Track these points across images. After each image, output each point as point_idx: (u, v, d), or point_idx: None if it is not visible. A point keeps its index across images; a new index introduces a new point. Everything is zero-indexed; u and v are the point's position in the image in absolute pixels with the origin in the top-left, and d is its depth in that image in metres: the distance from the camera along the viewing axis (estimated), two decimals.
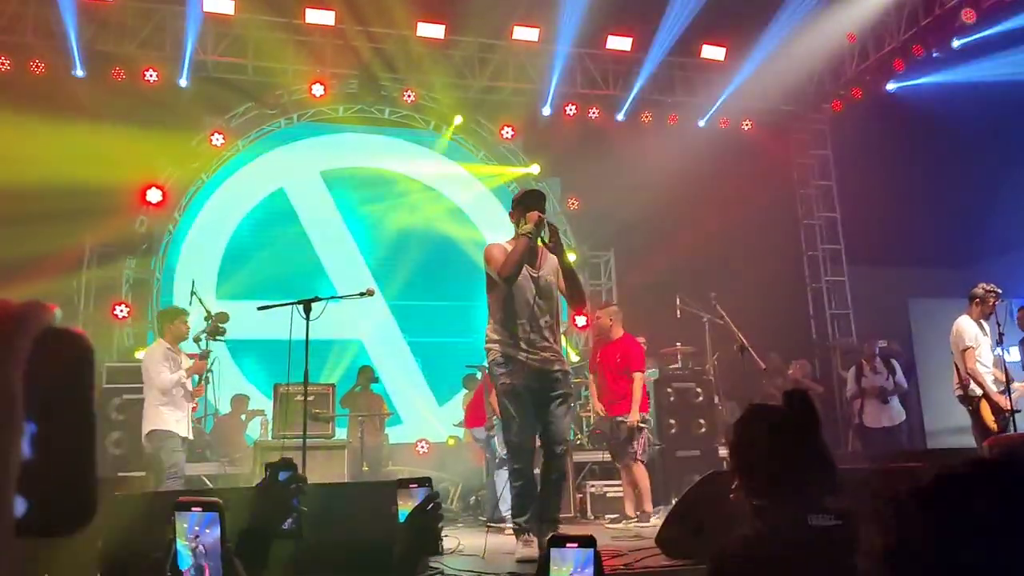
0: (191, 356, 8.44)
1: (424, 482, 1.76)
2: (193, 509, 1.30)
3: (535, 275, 4.82)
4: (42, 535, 0.50)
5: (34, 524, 0.49)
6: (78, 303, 9.44)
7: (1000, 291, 6.68)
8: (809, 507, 1.87)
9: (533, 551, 4.46)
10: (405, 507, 1.71)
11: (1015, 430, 6.29)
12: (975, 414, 6.60)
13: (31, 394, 0.48)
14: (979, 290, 6.73)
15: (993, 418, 6.45)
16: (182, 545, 1.28)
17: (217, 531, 1.26)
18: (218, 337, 6.73)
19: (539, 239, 4.74)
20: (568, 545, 1.40)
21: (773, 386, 9.13)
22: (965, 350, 6.62)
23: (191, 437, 6.67)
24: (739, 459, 2.04)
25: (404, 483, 1.71)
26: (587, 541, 1.38)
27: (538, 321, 4.73)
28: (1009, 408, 6.42)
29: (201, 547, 1.31)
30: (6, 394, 0.47)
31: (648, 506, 6.93)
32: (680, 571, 4.13)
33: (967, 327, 6.67)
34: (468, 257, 10.94)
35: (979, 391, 6.52)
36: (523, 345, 4.68)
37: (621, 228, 10.68)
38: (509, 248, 4.78)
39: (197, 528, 1.29)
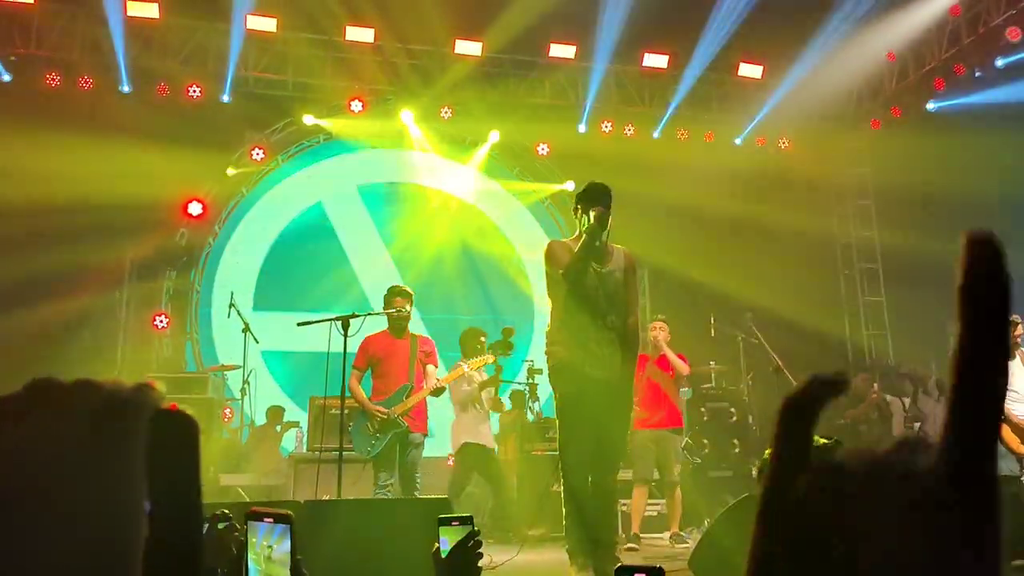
0: (227, 367, 8.58)
1: (466, 520, 1.75)
2: (265, 520, 1.32)
3: (602, 271, 4.56)
4: None
5: None
6: (119, 314, 9.63)
7: (1019, 319, 6.65)
8: None
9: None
10: (446, 541, 1.73)
11: None
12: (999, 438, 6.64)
13: (148, 476, 0.51)
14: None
15: (1018, 442, 6.46)
16: (251, 558, 1.31)
17: (287, 544, 1.29)
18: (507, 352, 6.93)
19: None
20: (635, 575, 1.40)
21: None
22: None
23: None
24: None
25: (446, 520, 1.73)
26: (655, 572, 1.38)
27: (605, 320, 4.43)
28: None
29: (271, 560, 1.34)
30: (133, 485, 0.49)
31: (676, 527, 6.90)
32: None
33: None
34: (504, 273, 11.00)
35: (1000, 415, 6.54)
36: (585, 349, 4.39)
37: (656, 245, 10.65)
38: (573, 246, 4.55)
39: (267, 541, 1.32)
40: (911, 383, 9.25)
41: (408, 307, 5.93)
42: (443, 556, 1.73)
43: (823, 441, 2.02)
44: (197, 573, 0.57)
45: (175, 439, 0.55)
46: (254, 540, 1.32)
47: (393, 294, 5.95)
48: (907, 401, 9.17)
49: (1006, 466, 7.71)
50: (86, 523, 0.47)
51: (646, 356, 7.21)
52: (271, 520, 1.33)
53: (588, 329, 4.40)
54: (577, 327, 4.41)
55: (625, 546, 6.73)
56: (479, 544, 1.68)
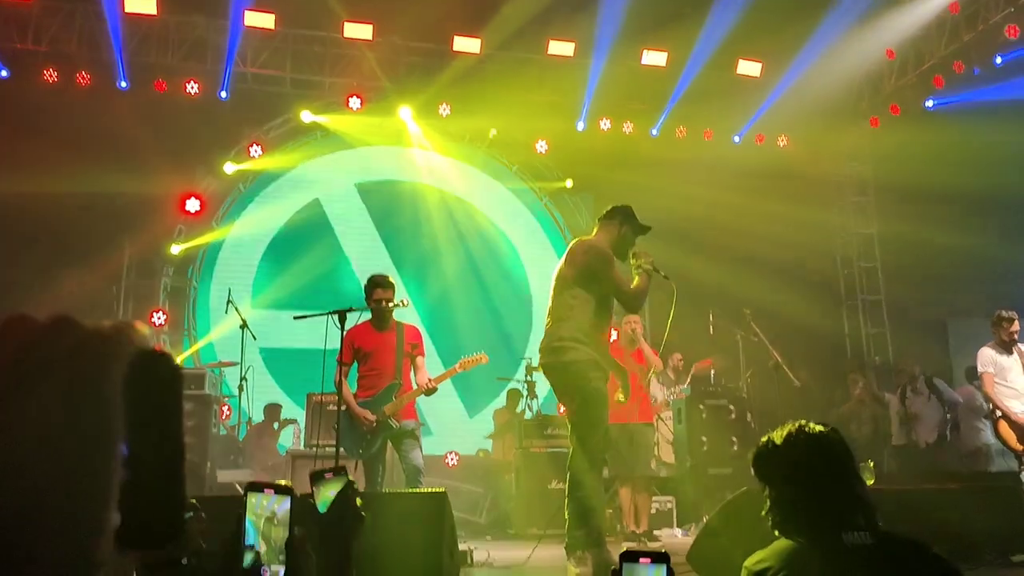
0: (225, 364, 8.56)
1: (340, 471, 1.60)
2: (266, 491, 1.32)
3: None
4: (132, 548, 0.52)
5: (126, 538, 0.51)
6: (117, 310, 9.62)
7: (1014, 316, 6.78)
8: (843, 526, 1.85)
9: (588, 570, 4.37)
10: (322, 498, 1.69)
11: None
12: (996, 434, 6.75)
13: (125, 415, 0.50)
14: (994, 316, 6.94)
15: (1015, 438, 6.51)
16: (250, 520, 1.31)
17: (287, 507, 1.29)
18: None
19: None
20: (641, 560, 1.38)
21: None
22: (982, 375, 6.84)
23: None
24: (766, 485, 2.02)
25: (319, 475, 1.69)
26: (660, 556, 1.36)
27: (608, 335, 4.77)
28: None
29: (269, 523, 1.34)
30: (107, 417, 0.49)
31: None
32: None
33: (983, 354, 6.86)
34: (501, 269, 10.98)
35: (998, 412, 6.63)
36: (604, 357, 4.61)
37: (654, 242, 10.61)
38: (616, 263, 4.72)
39: (265, 504, 1.32)
40: (902, 382, 9.26)
41: (392, 296, 5.58)
42: (320, 511, 1.71)
43: (819, 428, 2.01)
44: (178, 511, 0.56)
45: (155, 380, 0.54)
46: (253, 502, 1.32)
47: (373, 285, 5.58)
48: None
49: (1005, 463, 7.74)
50: (58, 451, 0.46)
51: (620, 349, 7.19)
52: (272, 491, 1.33)
53: (606, 342, 4.74)
54: (600, 334, 4.62)
55: (624, 543, 6.71)
56: (357, 492, 1.65)
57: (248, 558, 1.32)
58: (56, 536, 0.46)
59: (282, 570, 1.28)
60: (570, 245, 4.84)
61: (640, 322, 7.43)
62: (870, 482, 1.95)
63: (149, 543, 0.54)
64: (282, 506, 1.30)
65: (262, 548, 1.31)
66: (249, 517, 1.30)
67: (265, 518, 1.31)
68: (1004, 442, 6.64)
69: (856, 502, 1.88)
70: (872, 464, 4.94)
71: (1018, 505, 4.98)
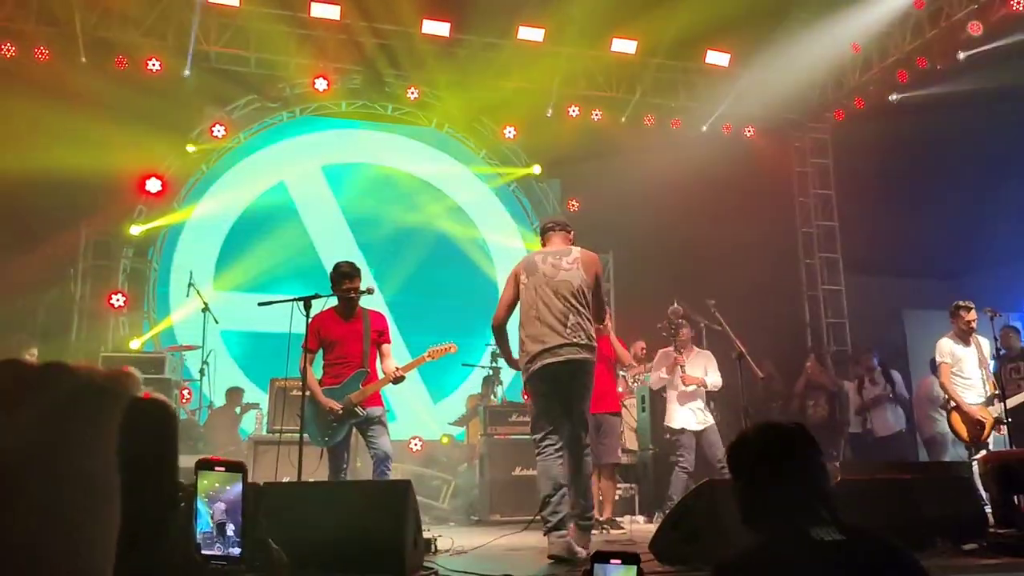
0: (186, 348, 8.45)
1: (235, 468, 1.53)
2: (216, 469, 1.30)
3: None
4: None
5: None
6: (75, 291, 9.43)
7: (972, 306, 6.88)
8: (810, 521, 1.87)
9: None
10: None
11: (1012, 443, 6.36)
12: (949, 424, 6.89)
13: (122, 459, 0.50)
14: (952, 307, 7.03)
15: (965, 429, 6.65)
16: (201, 503, 1.28)
17: (239, 489, 1.26)
18: None
19: None
20: (612, 561, 1.39)
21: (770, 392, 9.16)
22: (939, 365, 6.94)
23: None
24: (736, 477, 2.05)
25: (207, 464, 1.57)
26: (631, 558, 1.37)
27: None
28: (988, 419, 6.54)
29: (221, 505, 1.31)
30: (104, 465, 0.48)
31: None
32: None
33: (942, 345, 6.96)
34: (468, 256, 10.95)
35: (952, 403, 6.77)
36: None
37: (621, 231, 10.69)
38: None
39: (218, 486, 1.29)
40: (860, 372, 9.45)
41: (359, 285, 5.49)
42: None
43: (789, 425, 2.04)
44: (161, 549, 0.56)
45: (150, 426, 0.55)
46: (205, 483, 1.30)
47: (341, 276, 5.50)
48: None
49: (956, 452, 7.92)
50: (58, 502, 0.46)
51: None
52: (223, 468, 1.31)
53: None
54: None
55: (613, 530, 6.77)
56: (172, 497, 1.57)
57: (198, 538, 1.29)
58: None
59: (235, 550, 1.26)
60: (576, 251, 5.04)
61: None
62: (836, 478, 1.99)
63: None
64: (235, 486, 1.28)
65: (217, 527, 1.29)
66: (201, 499, 1.28)
67: (219, 500, 1.29)
68: (956, 433, 6.79)
69: (822, 497, 1.91)
70: (838, 464, 5.02)
71: (969, 494, 5.10)
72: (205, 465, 1.30)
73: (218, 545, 1.26)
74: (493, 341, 5.66)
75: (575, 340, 4.74)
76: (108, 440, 0.50)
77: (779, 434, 2.01)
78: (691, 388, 7.35)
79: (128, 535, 0.50)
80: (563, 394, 4.81)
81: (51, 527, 0.47)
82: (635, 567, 1.37)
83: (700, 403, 7.36)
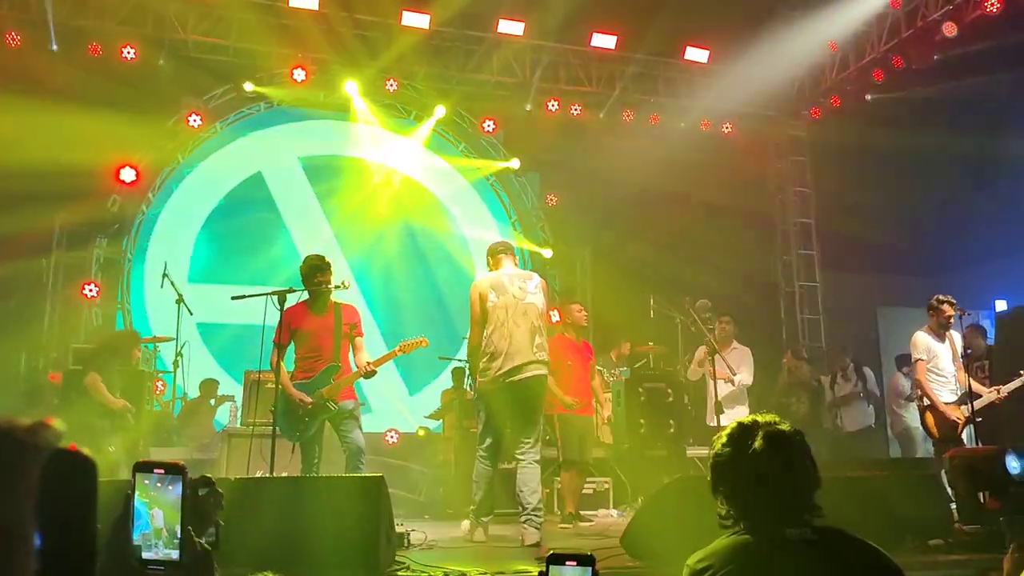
0: (160, 339, 8.38)
1: (174, 470, 1.45)
2: (156, 471, 1.28)
3: None
4: None
5: None
6: (47, 282, 9.31)
7: (953, 301, 6.78)
8: (785, 519, 1.88)
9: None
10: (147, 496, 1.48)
11: (978, 441, 6.41)
12: (922, 422, 6.81)
13: (40, 512, 0.50)
14: (933, 301, 6.84)
15: (935, 427, 6.60)
16: (143, 502, 1.27)
17: (179, 491, 1.25)
18: None
19: None
20: (567, 563, 1.40)
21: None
22: (915, 361, 6.80)
23: None
24: (716, 475, 2.04)
25: (146, 466, 1.45)
26: (585, 559, 1.38)
27: None
28: (961, 418, 6.51)
29: (160, 509, 1.29)
30: (22, 515, 0.48)
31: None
32: (643, 571, 4.17)
33: (918, 339, 6.82)
34: (445, 249, 10.93)
35: (927, 400, 6.69)
36: None
37: (599, 225, 10.73)
38: None
39: (158, 488, 1.28)
40: (833, 369, 9.54)
41: (330, 279, 5.51)
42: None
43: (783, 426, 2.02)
44: None
45: (70, 482, 0.54)
46: (146, 484, 1.28)
47: (314, 270, 5.50)
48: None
49: (926, 447, 8.01)
50: None
51: (567, 338, 7.25)
52: (162, 471, 1.29)
53: None
54: None
55: (559, 524, 6.81)
56: (217, 492, 1.54)
57: (136, 541, 1.28)
58: None
59: (174, 554, 1.25)
60: (535, 277, 5.67)
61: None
62: None
63: None
64: (175, 488, 1.26)
65: (156, 531, 1.28)
66: (142, 499, 1.26)
67: (163, 497, 1.28)
68: (927, 430, 6.76)
69: (805, 500, 1.92)
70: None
71: (936, 491, 5.18)
72: (143, 467, 1.28)
73: (156, 549, 1.25)
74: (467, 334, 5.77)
75: (540, 358, 5.32)
76: (26, 491, 0.49)
77: (782, 443, 1.98)
78: (727, 385, 7.47)
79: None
80: (524, 406, 5.32)
81: None
82: (590, 568, 1.38)
83: (740, 406, 7.50)
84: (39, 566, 0.50)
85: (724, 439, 2.02)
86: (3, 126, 8.02)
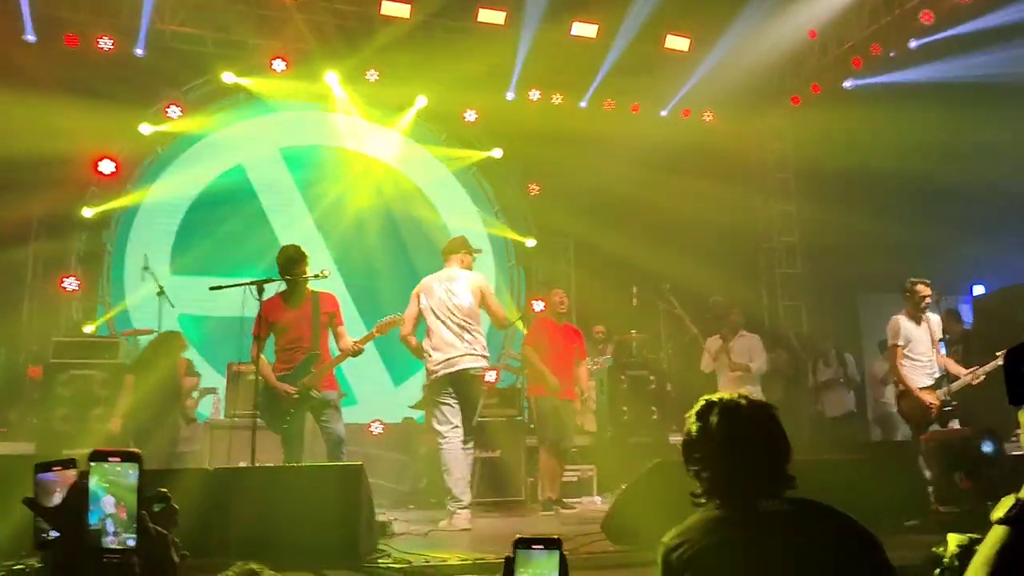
0: (141, 332, 8.34)
1: (130, 457, 1.31)
2: (111, 460, 1.28)
3: None
4: None
5: None
6: (26, 275, 9.24)
7: (927, 282, 6.75)
8: (759, 493, 1.89)
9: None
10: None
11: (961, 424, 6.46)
12: (898, 407, 6.84)
13: None
14: (907, 284, 6.81)
15: (910, 412, 6.63)
16: (101, 487, 1.27)
17: (135, 478, 1.26)
18: None
19: None
20: (534, 547, 1.41)
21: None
22: (892, 347, 6.81)
23: None
24: (686, 452, 2.06)
25: (102, 456, 1.30)
26: (552, 543, 1.39)
27: None
28: (935, 403, 6.53)
29: (113, 497, 1.30)
30: None
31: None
32: (624, 556, 4.21)
33: (894, 325, 6.81)
34: (427, 239, 10.91)
35: (902, 386, 6.71)
36: None
37: (582, 214, 10.73)
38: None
39: (112, 478, 1.28)
40: (814, 355, 9.62)
41: (306, 270, 5.55)
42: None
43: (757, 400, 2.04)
44: None
45: None
46: (99, 474, 1.28)
47: (293, 261, 5.53)
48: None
49: (903, 433, 8.08)
50: None
51: (548, 320, 7.30)
52: (117, 459, 1.29)
53: None
54: None
55: (541, 511, 6.85)
56: (172, 510, 1.41)
57: (95, 526, 1.28)
58: None
59: (131, 540, 1.26)
60: (466, 279, 6.14)
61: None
62: None
63: None
64: (133, 473, 1.27)
65: (114, 517, 1.28)
66: (100, 484, 1.26)
67: (119, 485, 1.28)
68: (902, 415, 6.81)
69: (779, 475, 1.93)
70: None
71: (912, 473, 5.25)
72: (99, 456, 1.28)
73: (110, 537, 1.26)
74: None
75: (474, 351, 5.87)
76: None
77: (748, 409, 2.01)
78: (737, 374, 7.59)
79: None
80: (463, 396, 5.85)
81: None
82: (557, 552, 1.39)
83: (750, 387, 7.56)
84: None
85: (692, 416, 2.05)
86: None
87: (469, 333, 5.91)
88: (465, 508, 5.70)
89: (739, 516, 1.88)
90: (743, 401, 2.02)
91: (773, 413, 2.03)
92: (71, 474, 1.37)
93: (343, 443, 5.43)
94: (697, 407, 2.05)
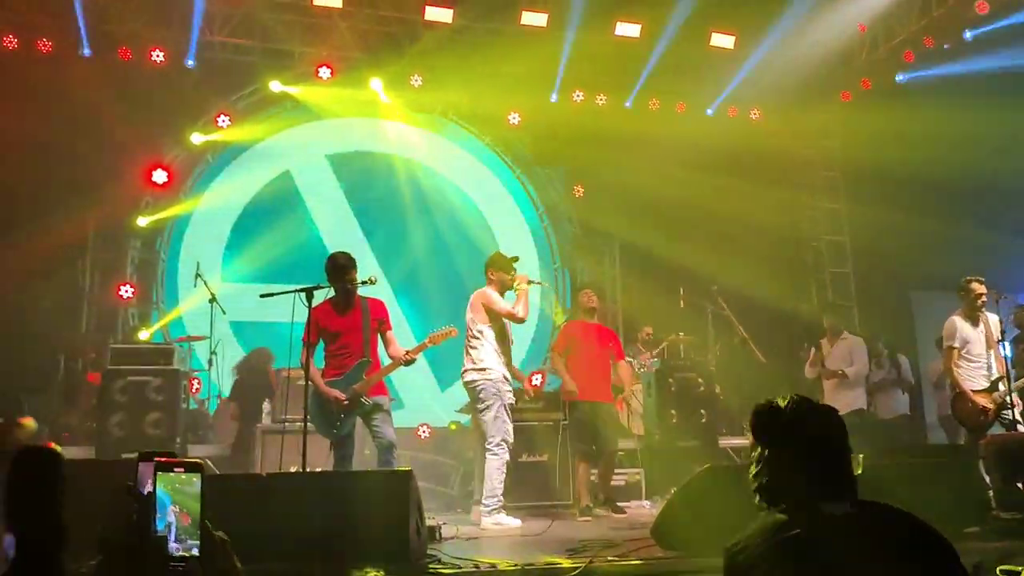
0: (195, 338, 8.52)
1: (193, 467, 1.36)
2: (175, 470, 1.31)
3: None
4: None
5: None
6: (83, 283, 9.50)
7: (983, 280, 6.55)
8: (823, 496, 1.85)
9: None
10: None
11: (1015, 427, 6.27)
12: (952, 409, 6.64)
13: (9, 506, 0.53)
14: (961, 282, 6.64)
15: (965, 415, 6.44)
16: (166, 493, 1.30)
17: (198, 487, 1.28)
18: None
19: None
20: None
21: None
22: (947, 348, 6.63)
23: None
24: (765, 447, 2.01)
25: (167, 467, 1.34)
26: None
27: None
28: (991, 407, 6.34)
29: (178, 506, 1.32)
30: None
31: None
32: (674, 563, 4.16)
33: (951, 326, 6.64)
34: (472, 242, 10.95)
35: (957, 388, 6.52)
36: None
37: (626, 216, 10.67)
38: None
39: (177, 486, 1.30)
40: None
41: (356, 276, 5.59)
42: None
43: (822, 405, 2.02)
44: None
45: (33, 477, 0.57)
46: (164, 483, 1.31)
47: (343, 269, 5.58)
48: None
49: (958, 436, 7.85)
50: None
51: (579, 322, 7.25)
52: (181, 469, 1.32)
53: None
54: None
55: (579, 517, 6.79)
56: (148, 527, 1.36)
57: (160, 530, 1.31)
58: None
59: (195, 548, 1.28)
60: (472, 297, 6.55)
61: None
62: (857, 471, 1.95)
63: None
64: (195, 483, 1.29)
65: (178, 525, 1.31)
66: (164, 489, 1.29)
67: (184, 493, 1.30)
68: (959, 420, 6.60)
69: (843, 478, 1.89)
70: (861, 457, 4.95)
71: (972, 479, 5.10)
72: (163, 467, 1.30)
73: (175, 545, 1.28)
74: None
75: (468, 366, 6.31)
76: None
77: (813, 410, 1.98)
78: (834, 381, 7.51)
79: (17, 564, 0.53)
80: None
81: None
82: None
83: (848, 392, 7.52)
84: (16, 553, 0.53)
85: (754, 420, 2.02)
86: (39, 131, 8.19)
87: (469, 349, 6.32)
88: (494, 509, 6.02)
89: (803, 519, 1.83)
90: (805, 404, 1.99)
91: (836, 415, 1.99)
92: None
93: (394, 448, 5.46)
94: (760, 410, 2.02)
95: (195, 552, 1.29)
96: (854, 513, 1.82)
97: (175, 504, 1.32)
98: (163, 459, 1.34)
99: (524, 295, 6.29)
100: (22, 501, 0.46)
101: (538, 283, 6.64)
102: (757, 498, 1.97)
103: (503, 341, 6.38)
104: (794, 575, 1.79)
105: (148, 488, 1.38)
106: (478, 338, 6.31)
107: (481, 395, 6.25)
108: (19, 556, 0.46)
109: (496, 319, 6.34)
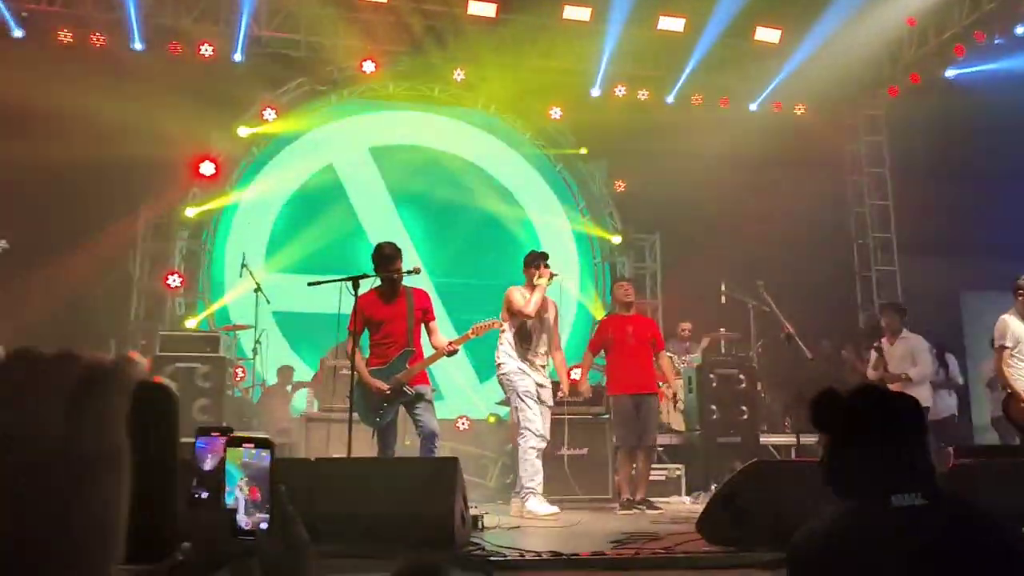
0: (239, 327, 8.64)
1: (264, 443, 1.31)
2: (245, 445, 1.34)
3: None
4: (128, 563, 0.59)
5: (130, 552, 0.57)
6: (134, 272, 9.71)
7: None
8: (895, 488, 1.81)
9: None
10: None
11: None
12: (1004, 410, 6.50)
13: (134, 436, 0.56)
14: (1020, 281, 6.48)
15: (1017, 416, 6.29)
16: (232, 466, 1.32)
17: (268, 461, 1.30)
18: None
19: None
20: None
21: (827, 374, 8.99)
22: (998, 348, 6.49)
23: None
24: (831, 436, 1.97)
25: (236, 441, 1.30)
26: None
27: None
28: None
29: (249, 480, 1.35)
30: (117, 449, 0.54)
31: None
32: (720, 557, 4.15)
33: (1002, 325, 6.49)
34: (513, 236, 10.98)
35: (1009, 389, 6.38)
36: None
37: (667, 211, 10.62)
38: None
39: (246, 461, 1.33)
40: None
41: (401, 266, 5.62)
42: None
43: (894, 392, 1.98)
44: (171, 529, 0.63)
45: (155, 411, 0.61)
46: (233, 459, 1.34)
47: (390, 258, 5.58)
48: None
49: (1011, 438, 7.69)
50: (70, 477, 0.51)
51: (615, 316, 7.23)
52: (251, 444, 1.34)
53: None
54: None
55: (619, 511, 6.76)
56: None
57: (231, 505, 1.33)
58: (70, 561, 0.52)
59: (264, 523, 1.30)
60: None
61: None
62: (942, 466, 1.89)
63: (143, 559, 0.62)
64: (263, 461, 1.31)
65: (244, 505, 1.33)
66: (234, 463, 1.31)
67: (253, 467, 1.32)
68: (1010, 419, 6.48)
69: (915, 470, 1.81)
70: (951, 450, 4.80)
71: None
72: (233, 442, 1.33)
73: (244, 519, 1.30)
74: None
75: (496, 362, 6.56)
76: (120, 421, 0.55)
77: (882, 397, 1.93)
78: (898, 385, 7.34)
79: (136, 498, 0.57)
80: None
81: (60, 503, 0.52)
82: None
83: (918, 396, 7.37)
84: (135, 486, 0.57)
85: (821, 408, 1.98)
86: (91, 122, 8.38)
87: (498, 344, 6.57)
88: (527, 496, 6.22)
89: (870, 511, 1.80)
90: (872, 392, 1.95)
91: (910, 402, 1.93)
92: (221, 443, 1.42)
93: (436, 437, 5.50)
94: (819, 400, 1.99)
95: (263, 526, 1.31)
96: (926, 506, 1.76)
97: (244, 478, 1.34)
98: (233, 435, 1.37)
99: (540, 290, 6.41)
100: (145, 437, 0.48)
101: (556, 275, 6.66)
102: (829, 488, 1.93)
103: (524, 337, 6.47)
104: (857, 568, 1.76)
105: (207, 465, 1.41)
106: (503, 334, 6.53)
107: (504, 389, 6.58)
108: (140, 486, 0.50)
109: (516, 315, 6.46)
